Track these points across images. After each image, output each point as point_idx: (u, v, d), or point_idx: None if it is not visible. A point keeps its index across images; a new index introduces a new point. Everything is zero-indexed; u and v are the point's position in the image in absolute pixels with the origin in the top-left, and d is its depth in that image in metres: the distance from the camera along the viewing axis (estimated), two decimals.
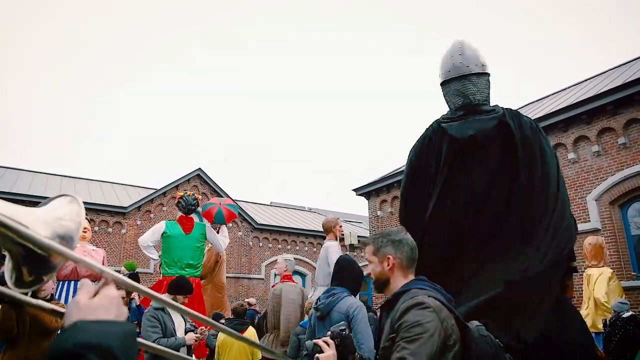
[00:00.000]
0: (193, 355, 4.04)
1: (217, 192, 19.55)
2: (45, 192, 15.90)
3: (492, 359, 1.51)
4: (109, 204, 17.00)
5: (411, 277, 1.72)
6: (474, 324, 1.60)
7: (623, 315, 4.15)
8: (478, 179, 2.26)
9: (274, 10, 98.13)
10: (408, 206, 2.61)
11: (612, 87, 9.39)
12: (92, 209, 16.31)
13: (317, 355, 1.61)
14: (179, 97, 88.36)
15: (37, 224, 0.74)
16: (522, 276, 2.03)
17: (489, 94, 2.52)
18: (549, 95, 13.72)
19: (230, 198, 19.73)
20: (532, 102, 14.30)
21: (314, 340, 1.68)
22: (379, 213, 15.51)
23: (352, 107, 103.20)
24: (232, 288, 18.37)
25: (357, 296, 3.39)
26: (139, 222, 17.39)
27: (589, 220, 9.17)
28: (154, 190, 18.52)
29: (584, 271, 5.33)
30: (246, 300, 8.22)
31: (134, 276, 9.18)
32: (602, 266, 4.93)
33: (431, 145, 2.48)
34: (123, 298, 7.23)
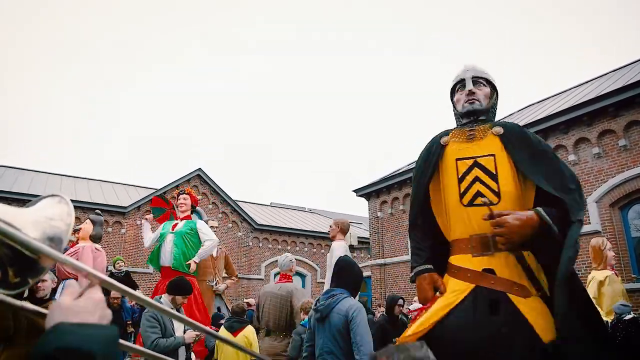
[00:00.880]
0: (192, 353, 4.03)
1: (217, 192, 19.54)
2: (45, 191, 15.88)
3: None
4: (109, 203, 16.98)
5: None
6: None
7: (624, 318, 4.13)
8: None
9: (274, 10, 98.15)
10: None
11: (613, 89, 9.39)
12: (92, 209, 16.28)
13: None
14: (179, 97, 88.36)
15: (27, 224, 0.72)
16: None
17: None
18: (550, 97, 13.71)
19: (226, 195, 19.70)
20: (532, 104, 14.30)
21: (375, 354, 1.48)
22: (379, 214, 15.50)
23: (352, 107, 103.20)
24: (232, 288, 18.34)
25: (357, 297, 3.36)
26: (138, 222, 17.37)
27: (589, 222, 9.17)
28: (154, 190, 18.50)
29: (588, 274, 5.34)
30: (245, 300, 8.24)
31: (128, 278, 9.02)
32: (602, 269, 4.90)
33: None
34: (116, 299, 7.19)
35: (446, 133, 2.51)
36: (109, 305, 5.81)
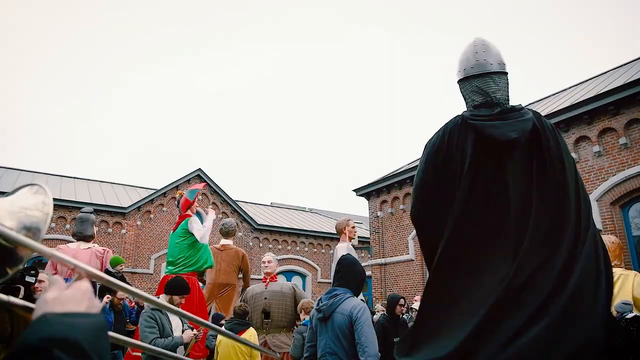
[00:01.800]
0: (189, 354, 4.00)
1: (217, 192, 19.53)
2: None
3: None
4: (109, 204, 16.97)
5: None
6: None
7: (627, 317, 4.10)
8: (514, 184, 2.15)
9: (278, 9, 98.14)
10: (423, 204, 2.46)
11: (614, 87, 9.37)
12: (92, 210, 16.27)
13: None
14: (179, 97, 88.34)
15: (2, 214, 0.70)
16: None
17: (508, 94, 2.46)
18: (550, 96, 13.70)
19: (226, 195, 19.69)
20: (533, 102, 14.29)
21: None
22: (379, 213, 15.49)
23: (353, 107, 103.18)
24: None
25: (359, 297, 3.33)
26: (138, 223, 17.36)
27: None
28: (154, 191, 18.50)
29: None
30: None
31: (122, 280, 8.97)
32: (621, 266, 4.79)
33: (452, 142, 2.37)
34: (119, 300, 7.11)
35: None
36: (112, 306, 5.79)
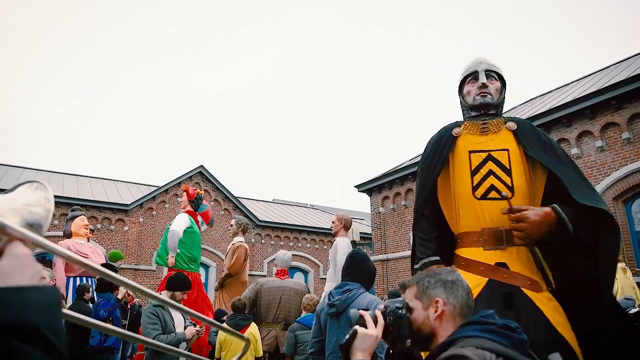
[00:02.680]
0: (192, 351, 4.02)
1: (219, 189, 19.54)
2: None
3: None
4: (111, 201, 17.00)
5: None
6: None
7: (629, 312, 4.11)
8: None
9: (278, 9, 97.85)
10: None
11: (616, 81, 9.32)
12: (95, 207, 16.32)
13: (355, 326, 1.34)
14: (179, 96, 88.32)
15: (5, 211, 0.70)
16: None
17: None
18: (553, 91, 13.64)
19: (228, 192, 19.72)
20: (535, 97, 14.24)
21: (360, 312, 1.40)
22: (381, 210, 15.48)
23: (355, 103, 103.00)
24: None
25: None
26: (141, 220, 17.40)
27: None
28: (156, 188, 18.51)
29: None
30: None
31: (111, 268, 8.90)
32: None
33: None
34: (129, 295, 6.92)
35: (457, 124, 2.50)
36: (118, 301, 5.79)
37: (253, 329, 4.33)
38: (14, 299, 0.51)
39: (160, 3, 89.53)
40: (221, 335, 4.43)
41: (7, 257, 0.59)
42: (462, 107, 2.65)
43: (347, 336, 1.34)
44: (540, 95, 14.06)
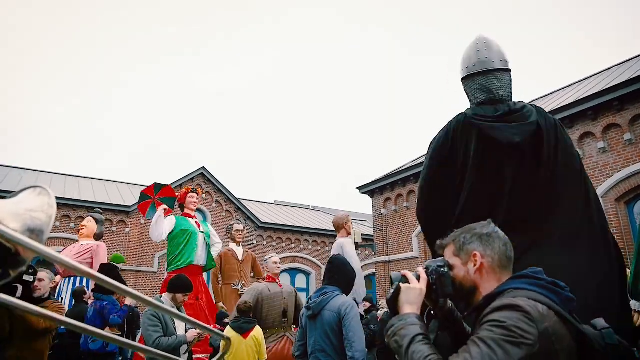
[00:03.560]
0: (193, 354, 4.01)
1: (221, 190, 19.54)
2: None
3: None
4: (113, 202, 17.01)
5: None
6: (598, 325, 1.26)
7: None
8: (513, 185, 2.23)
9: (278, 9, 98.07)
10: (429, 201, 2.52)
11: (618, 82, 9.31)
12: (96, 208, 16.31)
13: (399, 283, 1.34)
14: (179, 97, 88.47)
15: (6, 216, 0.70)
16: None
17: (511, 91, 2.49)
18: (555, 92, 13.62)
19: (230, 194, 19.69)
20: (537, 99, 14.21)
21: (403, 272, 1.39)
22: (383, 211, 15.46)
23: (357, 105, 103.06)
24: None
25: (349, 296, 3.34)
26: (142, 221, 17.39)
27: None
28: None
29: None
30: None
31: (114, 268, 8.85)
32: None
33: (455, 141, 2.40)
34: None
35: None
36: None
37: (257, 333, 4.30)
38: None
39: (160, 3, 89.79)
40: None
41: None
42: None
43: (392, 290, 1.35)
44: (542, 97, 14.03)
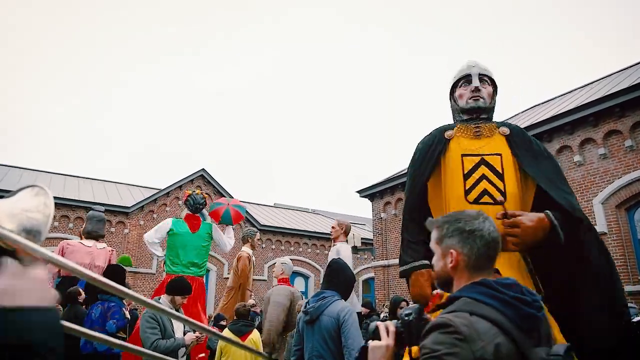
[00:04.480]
0: (191, 356, 3.97)
1: (221, 192, 19.53)
2: None
3: None
4: (112, 203, 16.99)
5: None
6: (553, 351, 1.15)
7: (633, 320, 4.07)
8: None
9: (278, 9, 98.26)
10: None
11: (619, 89, 9.31)
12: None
13: (369, 341, 1.36)
14: (179, 97, 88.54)
15: (2, 216, 0.68)
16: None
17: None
18: (555, 98, 13.63)
19: (229, 196, 19.69)
20: (537, 105, 14.22)
21: (377, 323, 1.40)
22: (382, 215, 15.44)
23: (355, 108, 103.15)
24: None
25: (348, 300, 3.31)
26: (142, 222, 17.38)
27: (595, 224, 9.07)
28: (157, 191, 18.50)
29: None
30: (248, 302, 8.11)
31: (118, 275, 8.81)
32: None
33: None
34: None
35: (450, 127, 2.47)
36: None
37: (255, 337, 4.28)
38: (13, 318, 0.53)
39: (160, 3, 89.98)
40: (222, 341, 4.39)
41: (20, 277, 0.61)
42: (452, 110, 2.63)
43: (357, 355, 1.41)
44: (543, 103, 14.04)
